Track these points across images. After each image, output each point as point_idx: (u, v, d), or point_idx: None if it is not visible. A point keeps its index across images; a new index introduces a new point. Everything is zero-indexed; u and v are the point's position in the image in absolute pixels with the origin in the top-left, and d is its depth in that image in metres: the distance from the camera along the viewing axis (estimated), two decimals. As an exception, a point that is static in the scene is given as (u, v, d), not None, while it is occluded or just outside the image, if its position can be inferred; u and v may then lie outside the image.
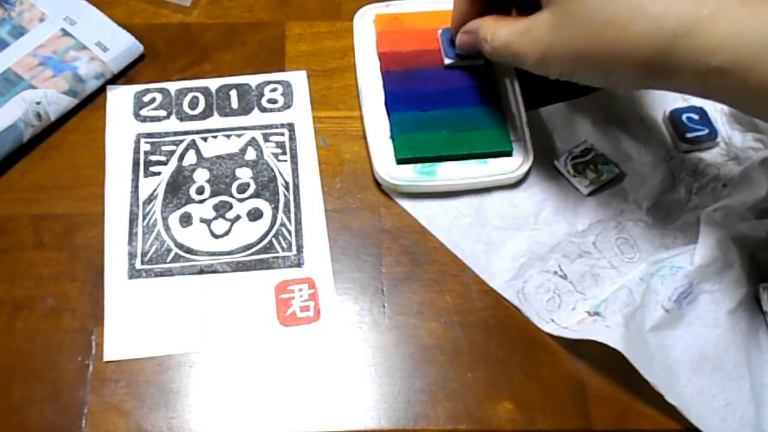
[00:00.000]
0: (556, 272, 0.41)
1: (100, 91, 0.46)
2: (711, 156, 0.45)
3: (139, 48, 0.47)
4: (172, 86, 0.46)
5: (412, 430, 0.37)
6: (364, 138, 0.45)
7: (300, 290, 0.40)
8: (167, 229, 0.42)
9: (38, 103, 0.43)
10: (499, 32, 0.38)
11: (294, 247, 0.41)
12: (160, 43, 0.48)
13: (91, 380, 0.37)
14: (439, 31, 0.47)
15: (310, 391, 0.38)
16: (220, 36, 0.49)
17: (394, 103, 0.45)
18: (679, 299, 0.39)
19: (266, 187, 0.43)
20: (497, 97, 0.46)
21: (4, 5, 0.47)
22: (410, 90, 0.46)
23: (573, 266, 0.41)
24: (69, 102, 0.45)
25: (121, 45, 0.47)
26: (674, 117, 0.46)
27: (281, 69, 0.48)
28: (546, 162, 0.45)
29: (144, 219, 0.42)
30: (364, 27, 0.49)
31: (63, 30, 0.47)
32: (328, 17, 0.50)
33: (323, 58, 0.49)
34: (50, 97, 0.44)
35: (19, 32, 0.46)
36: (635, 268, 0.41)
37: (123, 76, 0.47)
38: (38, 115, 0.43)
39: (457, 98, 0.45)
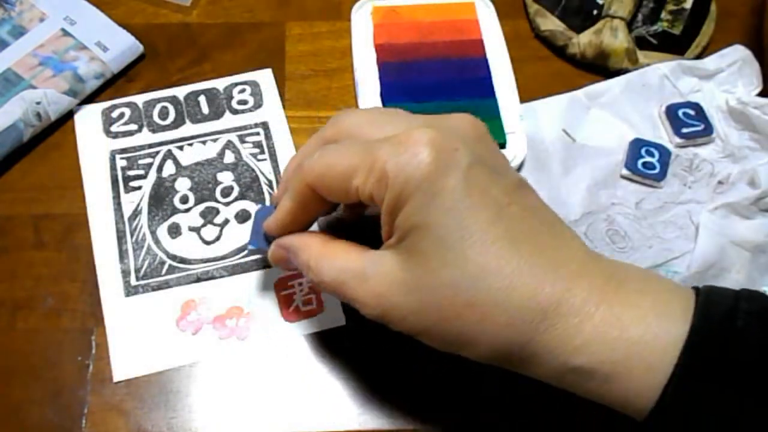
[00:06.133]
0: None
1: (100, 92, 0.46)
2: (707, 152, 0.45)
3: (139, 48, 0.47)
4: (139, 99, 0.46)
5: (412, 430, 0.37)
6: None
7: (300, 284, 0.40)
8: (157, 242, 0.41)
9: (38, 103, 0.43)
10: (326, 265, 0.31)
11: None
12: (160, 43, 0.48)
13: (91, 380, 0.37)
14: (256, 209, 0.39)
15: (311, 390, 0.38)
16: (220, 36, 0.49)
17: (390, 94, 0.45)
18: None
19: (250, 187, 0.43)
20: (492, 90, 0.46)
21: (4, 5, 0.47)
22: (406, 81, 0.46)
23: None
24: (69, 102, 0.45)
25: (121, 45, 0.47)
26: (670, 112, 0.46)
27: (248, 69, 0.48)
28: (539, 153, 0.45)
29: (132, 235, 0.41)
30: (362, 19, 0.49)
31: (63, 30, 0.47)
32: (328, 17, 0.50)
33: (323, 58, 0.49)
34: (50, 97, 0.44)
35: (19, 32, 0.46)
36: (626, 258, 0.41)
37: (123, 76, 0.47)
38: (38, 115, 0.43)
39: (452, 90, 0.45)
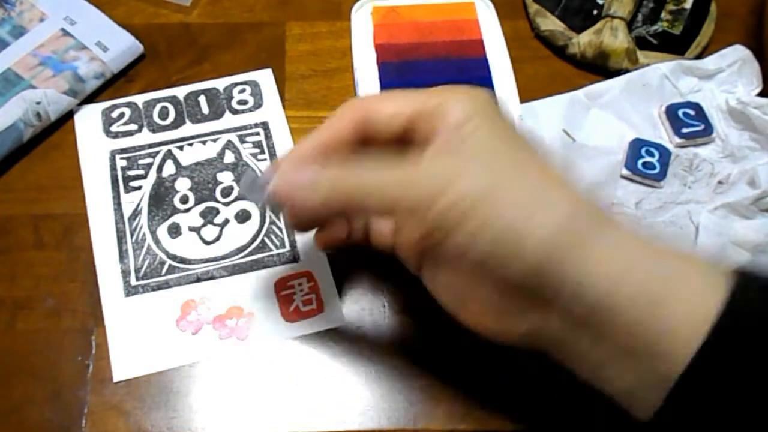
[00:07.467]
0: None
1: (100, 92, 0.46)
2: (707, 152, 0.45)
3: (139, 48, 0.47)
4: (139, 99, 0.46)
5: (412, 430, 0.37)
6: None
7: (300, 285, 0.40)
8: (157, 242, 0.41)
9: (38, 103, 0.43)
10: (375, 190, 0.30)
11: (287, 243, 0.41)
12: (160, 43, 0.48)
13: (91, 380, 0.37)
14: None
15: (310, 390, 0.38)
16: (220, 36, 0.49)
17: None
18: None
19: None
20: (492, 90, 0.46)
21: (4, 5, 0.47)
22: (406, 81, 0.46)
23: None
24: (69, 102, 0.45)
25: (121, 45, 0.47)
26: (670, 112, 0.46)
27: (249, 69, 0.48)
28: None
29: (132, 235, 0.41)
30: (362, 19, 0.49)
31: (63, 30, 0.47)
32: (328, 17, 0.50)
33: (323, 58, 0.49)
34: (50, 97, 0.44)
35: (19, 32, 0.46)
36: None
37: (123, 76, 0.47)
38: (38, 115, 0.43)
39: None
